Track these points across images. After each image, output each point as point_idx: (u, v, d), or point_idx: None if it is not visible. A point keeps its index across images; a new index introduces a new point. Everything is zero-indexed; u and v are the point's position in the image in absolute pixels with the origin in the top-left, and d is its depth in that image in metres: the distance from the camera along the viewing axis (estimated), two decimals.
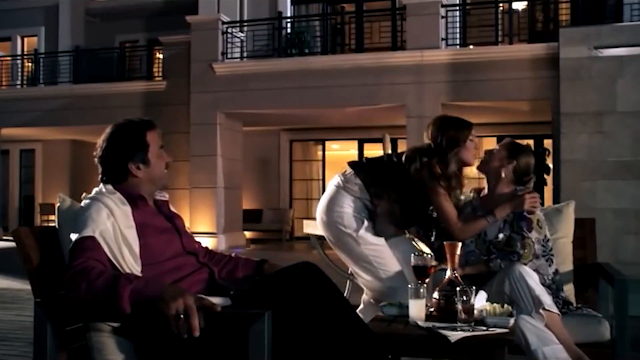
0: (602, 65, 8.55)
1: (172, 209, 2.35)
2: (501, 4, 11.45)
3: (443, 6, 11.01)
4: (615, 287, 2.64)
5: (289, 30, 12.74)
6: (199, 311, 1.71)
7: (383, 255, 3.02)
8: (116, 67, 14.83)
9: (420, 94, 10.74)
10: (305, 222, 4.45)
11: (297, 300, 1.93)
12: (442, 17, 10.95)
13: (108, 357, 1.98)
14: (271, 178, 15.12)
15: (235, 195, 12.88)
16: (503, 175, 2.99)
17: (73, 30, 16.70)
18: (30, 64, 15.97)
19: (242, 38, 12.78)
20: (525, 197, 2.87)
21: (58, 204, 2.22)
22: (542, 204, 3.21)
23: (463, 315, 2.23)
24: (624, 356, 2.56)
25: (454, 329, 2.18)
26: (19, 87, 15.40)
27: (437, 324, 2.24)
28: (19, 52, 17.18)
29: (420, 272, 2.41)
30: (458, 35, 11.44)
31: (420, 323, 2.28)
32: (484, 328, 2.20)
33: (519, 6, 12.21)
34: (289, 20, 13.13)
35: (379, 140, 11.30)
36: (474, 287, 2.27)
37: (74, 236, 1.97)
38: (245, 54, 12.78)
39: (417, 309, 2.31)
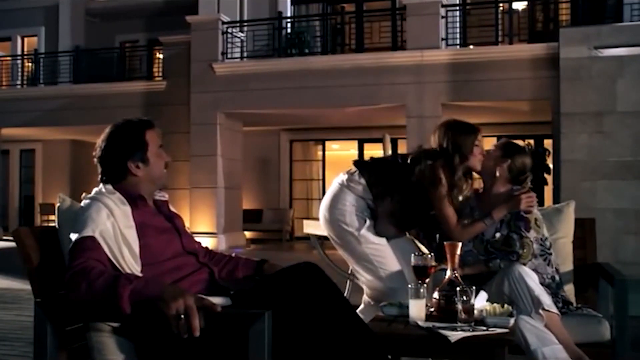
0: (602, 65, 8.55)
1: (172, 208, 2.35)
2: (501, 4, 11.45)
3: (443, 6, 11.02)
4: (615, 287, 2.64)
5: (289, 30, 12.74)
6: (199, 311, 1.71)
7: (384, 254, 3.03)
8: (116, 67, 14.83)
9: (420, 94, 10.75)
10: (305, 222, 4.45)
11: (297, 300, 1.93)
12: (442, 17, 10.95)
13: (108, 357, 1.98)
14: (271, 178, 15.12)
15: (236, 195, 12.88)
16: (497, 174, 2.99)
17: (73, 30, 16.70)
18: (30, 64, 15.98)
19: (242, 38, 12.78)
20: (521, 197, 2.88)
21: (58, 204, 2.22)
22: (542, 203, 3.21)
23: (463, 315, 2.23)
24: (624, 356, 2.56)
25: (454, 329, 2.18)
26: (19, 87, 15.40)
27: (437, 324, 2.24)
28: (19, 52, 17.18)
29: (420, 272, 2.41)
30: (458, 35, 11.44)
31: (421, 323, 2.28)
32: (484, 328, 2.20)
33: (519, 6, 12.21)
34: (289, 20, 13.13)
35: (379, 140, 11.29)
36: (474, 287, 2.27)
37: (73, 236, 1.98)
38: (245, 54, 12.78)
39: (417, 309, 2.31)
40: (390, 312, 2.46)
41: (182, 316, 1.70)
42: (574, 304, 2.88)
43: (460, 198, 3.06)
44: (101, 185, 2.18)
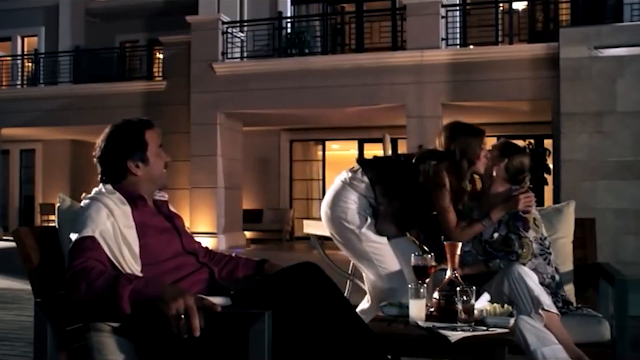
0: (602, 65, 8.55)
1: (172, 208, 2.35)
2: (501, 4, 11.45)
3: (443, 6, 11.01)
4: (615, 287, 2.64)
5: (289, 30, 12.74)
6: (200, 311, 1.71)
7: (384, 253, 3.03)
8: (116, 67, 14.83)
9: (420, 94, 10.75)
10: (305, 222, 4.45)
11: (297, 300, 1.93)
12: (442, 17, 10.95)
13: (108, 357, 1.98)
14: (271, 178, 15.12)
15: (236, 195, 12.88)
16: (495, 173, 3.00)
17: (73, 30, 16.70)
18: (30, 64, 15.97)
19: (242, 38, 12.78)
20: (519, 197, 2.88)
21: (58, 204, 2.22)
22: (542, 203, 3.22)
23: (463, 315, 2.23)
24: (624, 356, 2.56)
25: (454, 329, 2.18)
26: (19, 87, 15.40)
27: (437, 324, 2.24)
28: (19, 52, 17.18)
29: (420, 272, 2.41)
30: (458, 35, 11.44)
31: (421, 323, 2.28)
32: (484, 328, 2.20)
33: (519, 6, 12.20)
34: (289, 20, 13.13)
35: (379, 140, 11.30)
36: (474, 287, 2.27)
37: (73, 236, 1.97)
38: (245, 54, 12.78)
39: (417, 309, 2.31)
40: (390, 312, 2.46)
41: (182, 316, 1.70)
42: (574, 304, 2.88)
43: (465, 199, 3.06)
44: (101, 185, 2.18)
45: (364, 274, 3.18)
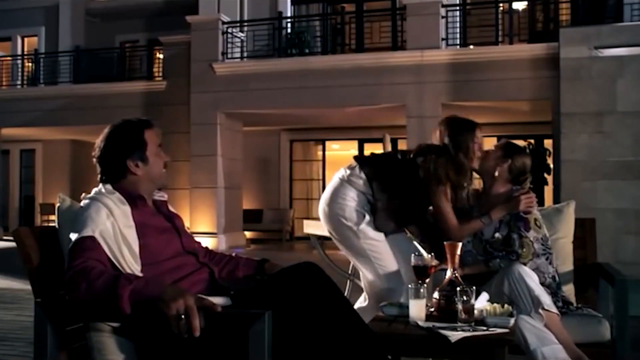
0: (602, 65, 8.55)
1: (171, 208, 2.35)
2: (501, 4, 11.45)
3: (443, 6, 11.02)
4: (615, 287, 2.64)
5: (289, 30, 12.74)
6: (200, 311, 1.71)
7: (381, 251, 3.03)
8: (116, 67, 14.83)
9: (420, 94, 10.75)
10: (305, 222, 4.45)
11: (298, 300, 1.93)
12: (442, 17, 10.95)
13: (108, 357, 1.98)
14: (271, 178, 15.12)
15: (236, 195, 12.88)
16: (497, 174, 3.00)
17: (73, 30, 16.70)
18: (30, 64, 15.97)
19: (242, 38, 12.78)
20: (520, 198, 2.88)
21: (58, 204, 2.22)
22: (542, 203, 3.22)
23: (463, 315, 2.23)
24: (624, 356, 2.56)
25: (454, 329, 2.18)
26: (19, 87, 15.40)
27: (438, 324, 2.24)
28: (19, 52, 17.18)
29: (421, 272, 2.41)
30: (458, 35, 11.44)
31: (421, 323, 2.28)
32: (484, 328, 2.20)
33: (519, 6, 12.21)
34: (289, 20, 13.13)
35: (379, 140, 11.32)
36: (474, 287, 2.27)
37: (73, 236, 1.97)
38: (245, 54, 12.78)
39: (417, 309, 2.31)
40: (390, 312, 2.46)
41: (183, 316, 1.70)
42: (574, 304, 2.88)
43: (464, 194, 3.06)
44: (101, 185, 2.18)
45: (360, 273, 3.18)
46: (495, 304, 2.36)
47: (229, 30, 12.38)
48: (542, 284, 2.71)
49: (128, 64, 15.10)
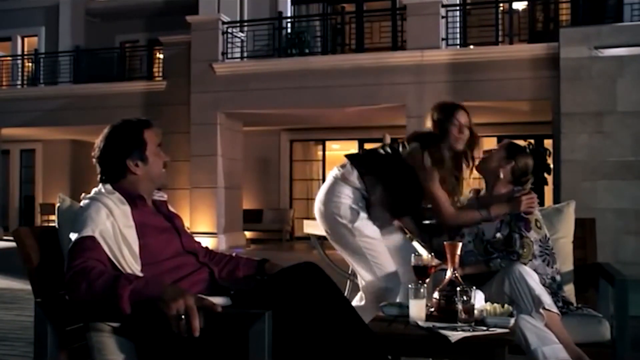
0: (602, 65, 8.55)
1: (171, 208, 2.35)
2: (501, 4, 11.45)
3: (443, 6, 11.02)
4: (615, 287, 2.64)
5: (289, 30, 12.74)
6: (200, 311, 1.71)
7: (377, 249, 3.03)
8: (116, 67, 14.84)
9: (420, 94, 10.74)
10: (305, 222, 4.45)
11: (298, 300, 1.93)
12: (443, 17, 10.95)
13: (108, 357, 1.98)
14: (271, 178, 15.13)
15: (236, 195, 12.88)
16: (501, 175, 3.00)
17: (73, 30, 16.70)
18: (30, 64, 15.98)
19: (242, 38, 12.79)
20: (522, 198, 2.88)
21: (58, 204, 2.22)
22: (542, 203, 3.22)
23: (463, 315, 2.23)
24: (624, 356, 2.56)
25: (454, 329, 2.18)
26: (19, 87, 15.40)
27: (438, 324, 2.24)
28: (19, 52, 17.18)
29: (421, 272, 2.41)
30: (458, 35, 11.44)
31: (421, 323, 2.28)
32: (484, 328, 2.20)
33: (519, 6, 12.21)
34: (289, 20, 13.14)
35: (379, 140, 11.30)
36: (474, 287, 2.27)
37: (73, 236, 1.97)
38: (245, 54, 12.78)
39: (417, 309, 2.31)
40: (390, 312, 2.46)
41: (183, 316, 1.70)
42: (574, 304, 2.88)
43: (462, 198, 3.07)
44: (100, 185, 2.18)
45: (357, 272, 3.17)
46: (495, 304, 2.36)
47: (229, 30, 12.38)
48: (541, 284, 2.71)
49: (128, 64, 15.10)
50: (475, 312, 2.26)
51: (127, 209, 2.10)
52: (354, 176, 3.06)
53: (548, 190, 9.86)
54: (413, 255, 2.47)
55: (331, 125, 14.37)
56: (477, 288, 2.35)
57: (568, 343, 2.50)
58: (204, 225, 12.02)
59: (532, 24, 12.23)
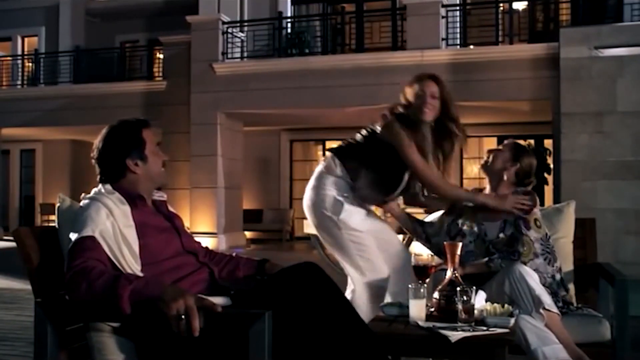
0: (602, 65, 8.55)
1: (171, 208, 2.35)
2: (501, 4, 11.45)
3: (443, 6, 11.01)
4: (615, 287, 2.64)
5: (289, 30, 12.74)
6: (200, 311, 1.71)
7: (363, 242, 3.00)
8: (116, 67, 14.84)
9: None
10: (305, 222, 4.45)
11: (298, 300, 1.93)
12: (443, 17, 10.95)
13: (108, 357, 1.98)
14: (271, 178, 15.12)
15: (236, 195, 12.88)
16: (505, 177, 3.00)
17: (73, 30, 16.70)
18: (30, 64, 15.98)
19: (242, 38, 12.78)
20: (509, 196, 2.89)
21: (58, 204, 2.22)
22: (542, 203, 3.22)
23: (463, 315, 2.23)
24: (624, 356, 2.56)
25: (455, 329, 2.18)
26: (19, 87, 15.40)
27: (438, 324, 2.24)
28: (19, 52, 17.18)
29: (421, 272, 2.41)
30: (458, 35, 11.43)
31: (421, 323, 2.28)
32: (485, 328, 2.20)
33: (519, 6, 12.20)
34: (289, 20, 13.13)
35: None
36: (474, 287, 2.27)
37: (73, 236, 1.97)
38: (245, 54, 12.78)
39: (417, 309, 2.31)
40: (391, 312, 2.46)
41: (183, 316, 1.70)
42: (574, 304, 2.88)
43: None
44: (100, 185, 2.18)
45: (343, 267, 3.15)
46: (495, 304, 2.36)
47: (229, 30, 12.38)
48: (541, 284, 2.71)
49: (128, 64, 15.10)
50: (475, 312, 2.26)
51: (127, 208, 2.10)
52: (337, 165, 3.07)
53: (548, 190, 9.86)
54: (413, 255, 2.47)
55: (331, 125, 14.36)
56: (477, 288, 2.35)
57: (568, 343, 2.50)
58: (204, 225, 12.02)
59: (532, 24, 12.23)
